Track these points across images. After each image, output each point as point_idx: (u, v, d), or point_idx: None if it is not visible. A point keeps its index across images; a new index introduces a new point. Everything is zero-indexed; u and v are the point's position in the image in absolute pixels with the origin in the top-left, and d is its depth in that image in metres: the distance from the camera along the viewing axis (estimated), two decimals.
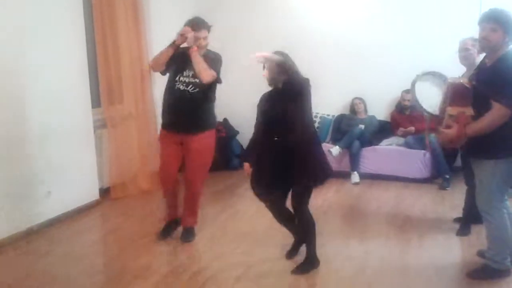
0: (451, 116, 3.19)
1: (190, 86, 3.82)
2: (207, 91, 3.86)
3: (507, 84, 2.93)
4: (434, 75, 3.94)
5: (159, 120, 5.85)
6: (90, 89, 4.97)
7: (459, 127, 3.10)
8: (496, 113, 2.95)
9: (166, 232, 4.09)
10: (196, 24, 3.85)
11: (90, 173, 4.96)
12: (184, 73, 3.85)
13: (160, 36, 5.94)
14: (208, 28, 3.90)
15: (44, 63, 4.35)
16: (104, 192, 5.20)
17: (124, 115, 5.36)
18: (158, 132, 5.79)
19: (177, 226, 4.12)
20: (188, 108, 3.80)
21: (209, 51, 3.96)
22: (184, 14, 6.58)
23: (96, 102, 5.18)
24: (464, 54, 3.88)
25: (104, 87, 5.14)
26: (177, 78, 3.85)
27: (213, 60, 3.86)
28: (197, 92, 3.81)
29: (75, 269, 3.54)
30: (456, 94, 3.22)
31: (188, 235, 4.02)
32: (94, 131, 5.03)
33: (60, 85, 4.54)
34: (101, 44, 5.07)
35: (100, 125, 5.17)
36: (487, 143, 3.07)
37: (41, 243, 4.05)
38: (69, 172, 4.64)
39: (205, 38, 3.87)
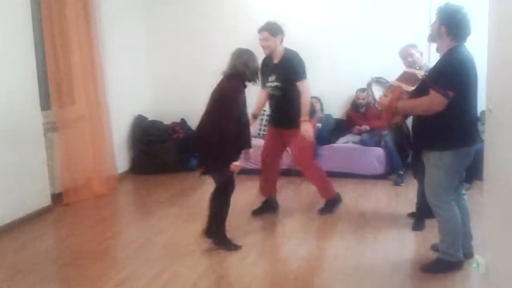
0: (389, 87, 3.48)
1: (275, 89, 4.26)
2: (289, 92, 4.19)
3: (444, 74, 3.08)
4: (380, 82, 4.08)
5: (114, 122, 5.78)
6: (39, 90, 4.77)
7: (392, 98, 3.33)
8: (430, 98, 3.08)
9: (258, 212, 4.56)
10: (260, 27, 4.18)
11: (40, 178, 4.77)
12: (270, 78, 4.27)
13: (112, 35, 5.83)
14: (269, 30, 4.13)
15: None
16: (56, 198, 5.02)
17: (76, 117, 5.18)
18: (112, 134, 5.73)
19: (270, 208, 4.60)
20: (279, 108, 4.34)
21: (286, 51, 4.27)
22: (136, 12, 6.52)
23: (45, 104, 4.99)
24: (412, 60, 4.03)
25: (53, 88, 4.95)
26: (267, 85, 4.32)
27: (292, 63, 4.18)
28: (282, 94, 4.23)
29: (28, 277, 3.40)
30: (405, 75, 3.49)
31: (325, 207, 4.59)
32: (45, 134, 4.84)
33: (6, 86, 4.35)
34: (50, 43, 4.87)
35: (51, 128, 4.98)
36: (432, 135, 3.18)
37: None
38: (18, 177, 4.45)
39: (265, 39, 4.14)
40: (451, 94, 3.01)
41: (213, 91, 3.69)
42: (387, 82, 3.78)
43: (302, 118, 4.15)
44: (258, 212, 4.56)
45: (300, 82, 4.17)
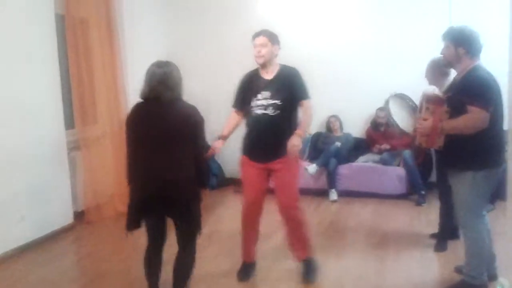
0: (427, 109, 3.24)
1: (270, 108, 3.49)
2: (290, 112, 3.53)
3: (481, 90, 3.01)
4: (403, 98, 3.98)
5: None
6: (64, 110, 4.89)
7: (434, 119, 3.16)
8: (473, 115, 2.99)
9: (243, 274, 3.70)
10: (256, 32, 3.61)
11: (63, 196, 4.86)
12: (259, 96, 3.53)
13: (135, 54, 5.95)
14: (268, 35, 3.55)
15: (14, 83, 4.28)
16: (79, 216, 5.09)
17: (98, 135, 5.28)
18: None
19: (254, 270, 3.76)
20: (272, 133, 3.47)
21: (284, 66, 3.65)
22: (159, 34, 6.65)
23: (69, 123, 5.10)
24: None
25: (77, 107, 5.07)
26: (252, 104, 3.54)
27: (296, 80, 3.57)
28: (280, 114, 3.47)
29: None
30: (431, 97, 3.35)
31: (310, 270, 3.62)
32: (68, 153, 4.94)
33: (32, 106, 4.46)
34: (74, 63, 5.01)
35: (74, 146, 5.09)
36: (465, 154, 3.10)
37: (16, 268, 3.94)
38: (42, 195, 4.54)
39: (262, 45, 3.52)
40: (492, 109, 2.98)
41: (161, 122, 2.82)
42: (410, 99, 3.71)
43: (297, 131, 3.44)
44: (243, 274, 3.72)
45: (306, 101, 3.57)
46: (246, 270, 3.72)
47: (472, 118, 3.00)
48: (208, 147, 3.38)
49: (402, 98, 3.97)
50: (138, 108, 2.91)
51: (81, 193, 5.13)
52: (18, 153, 4.29)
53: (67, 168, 4.91)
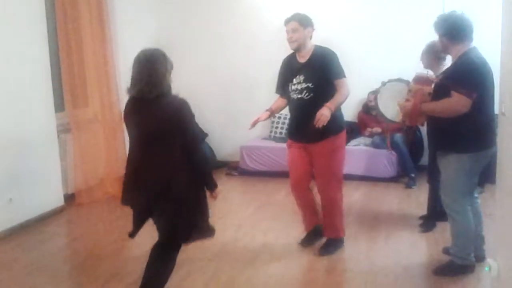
0: (410, 91, 3.42)
1: (304, 92, 3.55)
2: (324, 95, 3.51)
3: (465, 75, 3.07)
4: (401, 81, 4.00)
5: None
6: (53, 92, 4.83)
7: (415, 101, 3.29)
8: (454, 100, 3.07)
9: (305, 241, 3.89)
10: (286, 18, 3.62)
11: (53, 178, 4.83)
12: (295, 80, 3.59)
13: (125, 37, 5.88)
14: (298, 19, 3.55)
15: (3, 66, 4.22)
16: (69, 198, 5.07)
17: (89, 118, 5.24)
18: (125, 135, 5.77)
19: (319, 235, 3.85)
20: (308, 116, 3.45)
21: (317, 48, 3.67)
22: (149, 16, 6.57)
23: (59, 106, 5.05)
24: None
25: (67, 90, 5.01)
26: (289, 89, 3.63)
27: (329, 60, 3.57)
28: (313, 97, 3.52)
29: (40, 277, 3.44)
30: (419, 77, 3.53)
31: (325, 247, 3.74)
32: (58, 136, 4.90)
33: (20, 89, 4.41)
34: (64, 45, 4.94)
35: (64, 129, 5.04)
36: (451, 136, 3.17)
37: (4, 251, 3.92)
38: (31, 178, 4.51)
39: (294, 30, 3.54)
40: (474, 95, 3.01)
41: (146, 121, 2.66)
42: (408, 82, 3.75)
43: (327, 104, 3.44)
44: (305, 242, 3.90)
45: (340, 80, 3.56)
46: (307, 238, 3.89)
47: (452, 103, 3.08)
48: (203, 136, 3.26)
49: (400, 81, 3.95)
50: (127, 105, 2.77)
51: (72, 176, 5.10)
52: (7, 136, 4.25)
53: (57, 150, 4.88)
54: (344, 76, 3.59)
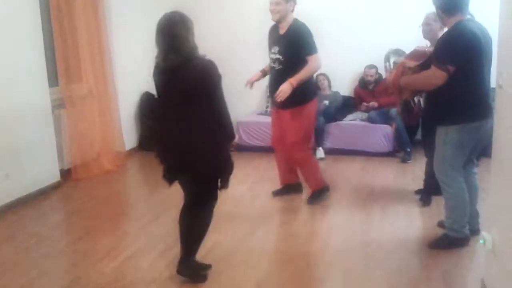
0: (394, 64, 3.60)
1: (276, 63, 3.86)
2: (292, 68, 3.76)
3: (444, 49, 3.09)
4: (399, 53, 4.06)
5: (121, 99, 5.79)
6: (47, 67, 4.77)
7: (395, 74, 3.44)
8: (429, 73, 3.14)
9: (276, 193, 4.43)
10: None
11: (49, 154, 4.81)
12: (272, 50, 3.91)
13: (119, 11, 5.79)
14: None
15: None
16: (66, 173, 5.07)
17: (83, 94, 5.20)
18: (119, 110, 5.75)
19: (291, 191, 4.41)
20: (277, 85, 3.75)
21: (295, 22, 3.87)
22: None
23: (53, 81, 4.99)
24: (425, 29, 3.94)
25: (61, 65, 4.94)
26: (269, 56, 3.96)
27: (300, 36, 3.79)
28: (282, 69, 3.80)
29: (38, 252, 3.46)
30: (414, 53, 3.56)
31: (310, 198, 4.27)
32: (52, 111, 4.86)
33: (13, 64, 4.35)
34: (56, 19, 4.86)
35: (58, 104, 5.00)
36: (440, 110, 3.21)
37: (1, 227, 3.93)
38: (27, 153, 4.49)
39: (277, 3, 3.75)
40: (451, 68, 3.01)
41: (178, 80, 2.66)
42: (405, 53, 3.82)
43: (290, 79, 3.69)
44: (276, 193, 4.46)
45: (310, 56, 3.77)
46: (279, 190, 4.43)
47: (426, 76, 3.18)
48: None
49: (397, 53, 4.01)
50: (154, 71, 2.80)
51: (68, 151, 5.09)
52: (1, 111, 4.21)
53: (51, 126, 4.84)
54: (315, 52, 3.81)
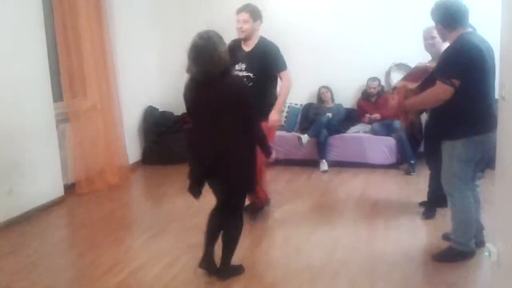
0: (394, 88, 3.56)
1: (245, 80, 3.75)
2: (262, 86, 3.79)
3: (447, 63, 3.10)
4: (404, 67, 4.06)
5: (125, 113, 5.82)
6: (51, 82, 4.81)
7: (399, 98, 3.40)
8: (434, 89, 3.10)
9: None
10: (239, 7, 3.81)
11: (53, 168, 4.83)
12: (237, 67, 3.83)
13: (122, 26, 5.85)
14: (250, 11, 3.78)
15: (1, 56, 4.19)
16: (69, 188, 5.07)
17: (87, 108, 5.22)
18: (123, 125, 5.77)
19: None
20: None
21: (262, 39, 3.92)
22: (146, 3, 6.52)
23: (58, 95, 5.03)
24: (429, 43, 3.97)
25: (65, 79, 4.98)
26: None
27: (270, 54, 3.82)
28: (252, 86, 3.68)
29: (41, 267, 3.45)
30: (413, 72, 3.56)
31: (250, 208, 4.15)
32: (57, 126, 4.89)
33: (18, 78, 4.38)
34: (61, 34, 4.91)
35: (63, 119, 5.03)
36: (445, 125, 3.19)
37: (5, 242, 3.93)
38: (31, 168, 4.50)
39: (245, 21, 3.77)
40: (456, 82, 3.01)
41: (218, 92, 2.84)
42: (408, 67, 3.81)
43: (276, 106, 3.82)
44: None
45: (282, 72, 3.89)
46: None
47: (432, 93, 3.13)
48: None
49: (401, 66, 4.00)
50: (189, 85, 2.96)
51: (71, 166, 5.10)
52: (6, 126, 4.24)
53: (56, 140, 4.86)
54: (286, 68, 3.86)
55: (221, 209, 3.13)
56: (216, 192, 3.13)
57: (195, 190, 3.02)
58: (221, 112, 2.84)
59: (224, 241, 3.13)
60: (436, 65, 3.25)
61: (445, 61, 3.12)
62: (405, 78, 3.60)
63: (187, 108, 3.04)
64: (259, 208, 4.25)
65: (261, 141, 3.03)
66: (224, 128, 2.86)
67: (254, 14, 3.79)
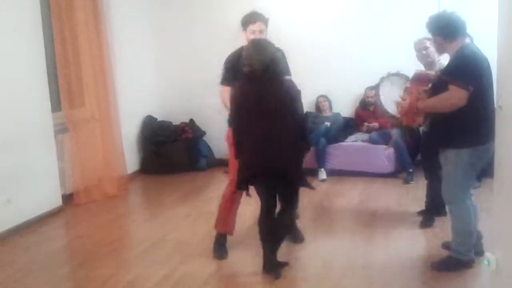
0: (406, 89, 3.49)
1: None
2: None
3: (462, 68, 3.07)
4: (399, 76, 4.06)
5: (124, 123, 5.83)
6: (50, 92, 4.82)
7: (411, 99, 3.33)
8: (451, 94, 3.06)
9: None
10: (251, 16, 3.65)
11: (51, 179, 4.82)
12: None
13: (121, 36, 5.87)
14: (264, 20, 3.68)
15: None
16: (67, 198, 5.06)
17: (86, 118, 5.23)
18: (122, 135, 5.77)
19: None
20: None
21: None
22: (144, 14, 6.55)
23: (56, 105, 5.03)
24: (426, 52, 3.99)
25: (64, 89, 4.99)
26: None
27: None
28: None
29: (38, 279, 3.43)
30: (417, 77, 3.55)
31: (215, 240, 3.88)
32: (55, 136, 4.89)
33: (16, 88, 4.39)
34: (59, 44, 4.93)
35: (61, 129, 5.03)
36: (449, 133, 3.16)
37: (2, 252, 3.91)
38: (29, 179, 4.50)
39: (261, 31, 3.61)
40: (471, 88, 3.01)
41: (275, 94, 3.07)
42: (406, 76, 3.79)
43: None
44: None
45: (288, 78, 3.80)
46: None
47: (448, 97, 3.08)
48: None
49: (398, 76, 3.99)
50: (245, 86, 3.13)
51: (70, 176, 5.09)
52: (3, 136, 4.24)
53: (54, 150, 4.86)
54: (289, 75, 3.73)
55: (270, 211, 3.27)
56: (263, 193, 3.25)
57: (244, 187, 3.19)
58: (281, 110, 3.05)
59: (273, 239, 3.29)
60: (446, 71, 3.20)
61: (459, 66, 3.09)
62: (412, 82, 3.57)
63: (238, 109, 3.15)
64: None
65: (309, 141, 3.30)
66: (283, 127, 3.06)
67: (267, 22, 3.69)
